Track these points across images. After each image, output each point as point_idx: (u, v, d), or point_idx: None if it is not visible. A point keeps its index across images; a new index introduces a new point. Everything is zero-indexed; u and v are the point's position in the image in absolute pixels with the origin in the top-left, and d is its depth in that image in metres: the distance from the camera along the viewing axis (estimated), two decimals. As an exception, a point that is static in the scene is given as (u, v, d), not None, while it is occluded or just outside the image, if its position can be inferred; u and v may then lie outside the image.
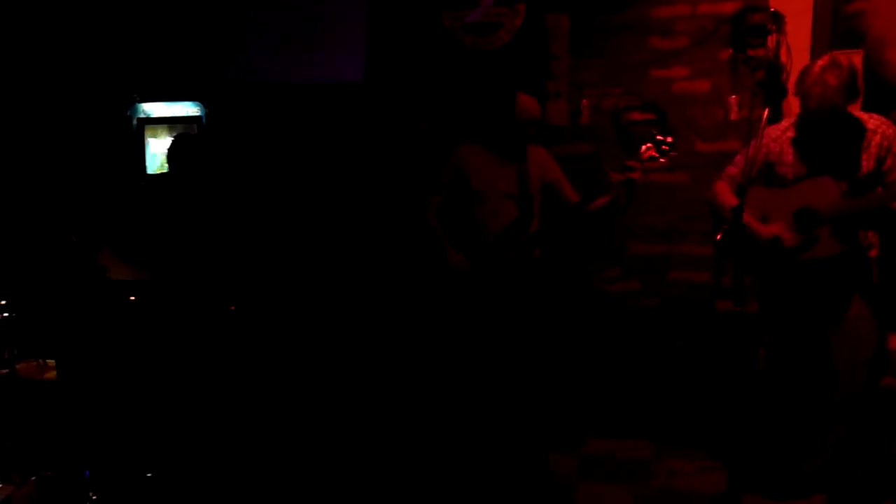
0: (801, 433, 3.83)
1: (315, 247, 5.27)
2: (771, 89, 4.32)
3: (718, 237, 3.37)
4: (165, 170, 4.72)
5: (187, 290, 4.21)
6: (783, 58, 4.35)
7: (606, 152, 4.89)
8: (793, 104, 3.99)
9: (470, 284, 4.33)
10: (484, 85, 4.98)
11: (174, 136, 4.46)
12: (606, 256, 5.06)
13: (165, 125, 5.25)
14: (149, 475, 3.92)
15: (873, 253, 3.96)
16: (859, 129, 3.60)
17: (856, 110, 3.73)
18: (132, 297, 4.11)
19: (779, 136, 3.80)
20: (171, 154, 4.38)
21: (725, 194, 3.87)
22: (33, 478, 3.82)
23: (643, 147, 4.07)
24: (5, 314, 4.03)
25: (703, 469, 4.13)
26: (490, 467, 4.19)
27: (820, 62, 3.57)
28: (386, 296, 5.10)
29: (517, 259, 4.30)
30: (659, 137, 4.05)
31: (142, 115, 5.22)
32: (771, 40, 4.39)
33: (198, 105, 5.27)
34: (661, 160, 4.05)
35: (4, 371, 4.04)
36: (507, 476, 4.11)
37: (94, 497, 3.76)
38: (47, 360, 4.15)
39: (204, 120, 5.28)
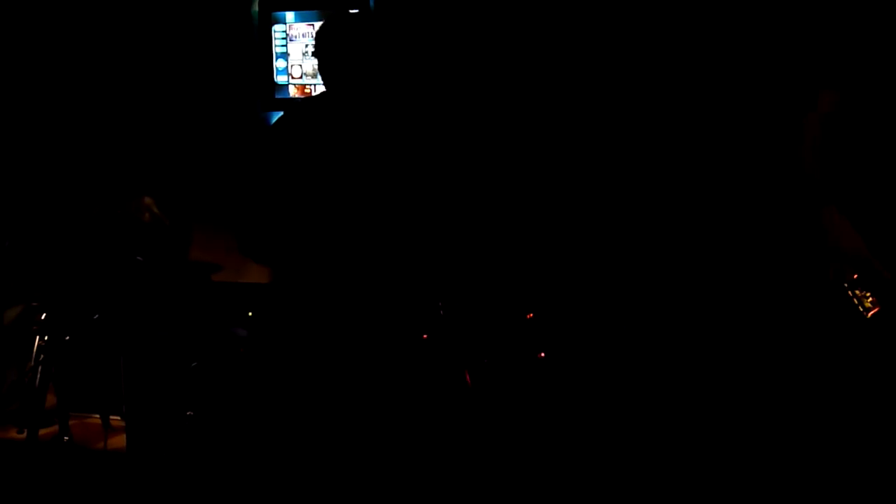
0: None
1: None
2: None
3: None
4: (314, 89, 3.99)
5: (352, 305, 2.89)
6: None
7: None
8: None
9: None
10: None
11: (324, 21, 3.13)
12: None
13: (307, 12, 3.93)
14: None
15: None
16: None
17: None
18: (250, 314, 3.40)
19: None
20: (324, 50, 3.00)
21: None
22: None
23: None
24: (45, 335, 3.18)
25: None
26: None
27: None
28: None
29: None
30: None
31: (268, -7, 4.04)
32: None
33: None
34: None
35: (50, 430, 3.27)
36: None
37: None
38: (111, 417, 3.35)
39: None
